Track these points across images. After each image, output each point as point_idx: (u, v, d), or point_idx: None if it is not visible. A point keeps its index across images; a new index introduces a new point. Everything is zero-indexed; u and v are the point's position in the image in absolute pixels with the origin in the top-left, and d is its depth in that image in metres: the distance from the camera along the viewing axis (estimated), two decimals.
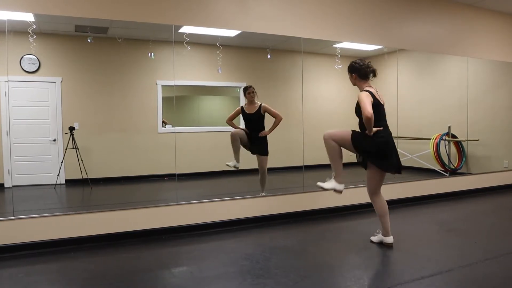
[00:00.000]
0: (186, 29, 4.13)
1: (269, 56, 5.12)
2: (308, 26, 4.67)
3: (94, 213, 3.70)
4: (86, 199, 4.70)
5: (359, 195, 4.78)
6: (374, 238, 3.61)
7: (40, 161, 4.36)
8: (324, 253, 3.30)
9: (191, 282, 2.78)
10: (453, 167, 6.07)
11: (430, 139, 5.96)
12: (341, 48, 5.08)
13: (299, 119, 4.81)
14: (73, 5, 3.56)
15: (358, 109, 3.21)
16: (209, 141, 5.10)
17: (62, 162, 4.35)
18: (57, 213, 3.59)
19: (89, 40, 4.29)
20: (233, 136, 4.55)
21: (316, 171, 5.18)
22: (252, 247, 3.56)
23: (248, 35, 4.45)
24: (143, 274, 2.92)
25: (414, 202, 5.33)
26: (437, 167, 5.94)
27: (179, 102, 4.90)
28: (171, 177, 4.23)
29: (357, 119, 3.33)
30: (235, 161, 4.47)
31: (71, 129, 4.38)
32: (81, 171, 4.40)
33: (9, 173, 4.14)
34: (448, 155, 6.10)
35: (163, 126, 4.86)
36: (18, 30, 3.65)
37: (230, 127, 4.63)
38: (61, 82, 4.38)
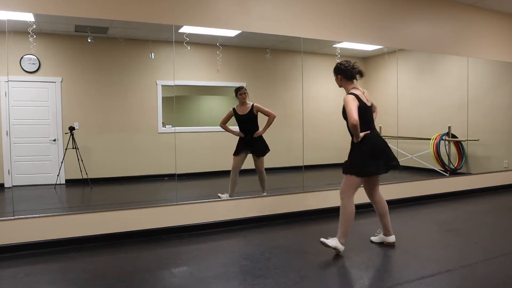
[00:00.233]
0: (186, 29, 4.13)
1: (267, 56, 5.12)
2: (308, 26, 4.67)
3: (94, 213, 3.70)
4: (86, 199, 4.70)
5: (358, 196, 4.77)
6: (374, 239, 3.61)
7: (40, 161, 4.35)
8: (324, 253, 3.30)
9: (191, 282, 2.78)
10: (453, 167, 6.07)
11: (430, 139, 5.96)
12: (341, 48, 5.08)
13: (299, 119, 4.81)
14: (73, 5, 3.56)
15: (345, 113, 3.19)
16: (209, 141, 5.10)
17: (62, 162, 4.35)
18: (57, 213, 3.59)
19: (89, 40, 4.29)
20: (234, 170, 4.50)
21: (316, 171, 5.19)
22: (252, 247, 3.56)
23: (248, 35, 4.45)
24: (143, 274, 2.92)
25: (414, 202, 5.33)
26: (437, 167, 5.94)
27: (179, 102, 4.90)
28: (171, 177, 4.23)
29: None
30: (227, 195, 4.42)
31: (71, 129, 4.38)
32: (81, 171, 4.40)
33: (9, 173, 4.14)
34: (448, 155, 6.10)
35: (163, 126, 4.86)
36: (18, 30, 3.65)
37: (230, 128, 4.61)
38: (61, 82, 4.38)
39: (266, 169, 4.65)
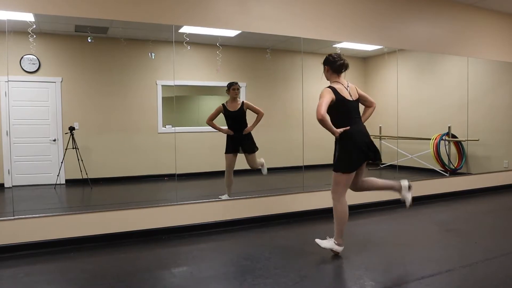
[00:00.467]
0: (186, 29, 4.13)
1: (267, 56, 5.12)
2: (308, 26, 4.67)
3: (94, 213, 3.70)
4: (86, 199, 4.70)
5: (358, 196, 4.77)
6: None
7: (40, 161, 4.35)
8: (324, 253, 3.30)
9: (191, 282, 2.78)
10: (453, 167, 6.07)
11: (430, 139, 5.96)
12: (341, 48, 5.08)
13: (299, 119, 4.81)
14: (73, 5, 3.56)
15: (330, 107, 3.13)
16: (209, 141, 5.10)
17: (62, 162, 4.35)
18: (57, 213, 3.59)
19: (89, 40, 4.29)
20: (229, 170, 4.49)
21: (316, 171, 5.19)
22: (252, 247, 3.56)
23: (248, 35, 4.45)
24: (143, 274, 2.92)
25: (414, 202, 5.31)
26: (437, 167, 5.93)
27: (179, 102, 4.90)
28: (171, 177, 4.23)
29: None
30: (227, 195, 4.42)
31: (71, 129, 4.38)
32: (81, 171, 4.40)
33: (9, 173, 4.14)
34: (448, 155, 6.10)
35: (163, 126, 4.86)
36: (18, 30, 3.65)
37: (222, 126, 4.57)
38: (61, 82, 4.38)
39: (267, 169, 4.65)
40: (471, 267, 2.99)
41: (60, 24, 4.04)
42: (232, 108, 4.54)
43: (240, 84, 4.67)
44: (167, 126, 4.82)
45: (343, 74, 3.29)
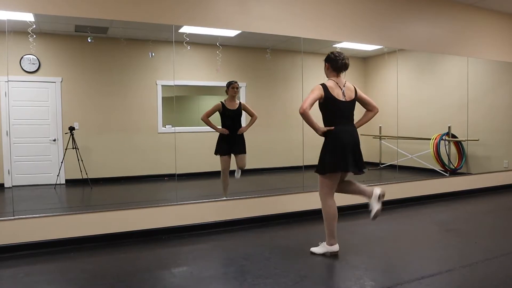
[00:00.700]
0: (186, 29, 4.13)
1: (267, 56, 5.12)
2: (308, 26, 4.67)
3: (94, 213, 3.70)
4: (86, 199, 4.70)
5: (358, 196, 4.77)
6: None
7: (40, 161, 4.35)
8: None
9: (191, 282, 2.78)
10: (453, 167, 6.07)
11: (430, 139, 5.96)
12: (341, 48, 5.08)
13: (299, 119, 4.78)
14: (73, 5, 3.56)
15: (320, 104, 3.15)
16: (209, 141, 5.09)
17: (62, 162, 4.35)
18: (57, 213, 3.59)
19: (89, 40, 4.29)
20: (225, 172, 4.47)
21: None
22: (252, 247, 3.55)
23: (248, 35, 4.45)
24: (143, 274, 2.92)
25: (414, 202, 5.33)
26: (437, 167, 5.93)
27: (179, 102, 4.90)
28: (171, 177, 4.23)
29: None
30: (224, 197, 4.43)
31: (71, 129, 4.38)
32: (81, 171, 4.40)
33: (9, 173, 4.14)
34: (448, 155, 6.10)
35: (163, 126, 4.86)
36: (18, 30, 3.65)
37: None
38: (61, 82, 4.38)
39: (267, 169, 4.64)
40: (471, 267, 2.99)
41: (60, 24, 4.04)
42: (231, 106, 4.53)
43: (240, 84, 4.66)
44: (167, 126, 4.82)
45: (342, 74, 3.29)
